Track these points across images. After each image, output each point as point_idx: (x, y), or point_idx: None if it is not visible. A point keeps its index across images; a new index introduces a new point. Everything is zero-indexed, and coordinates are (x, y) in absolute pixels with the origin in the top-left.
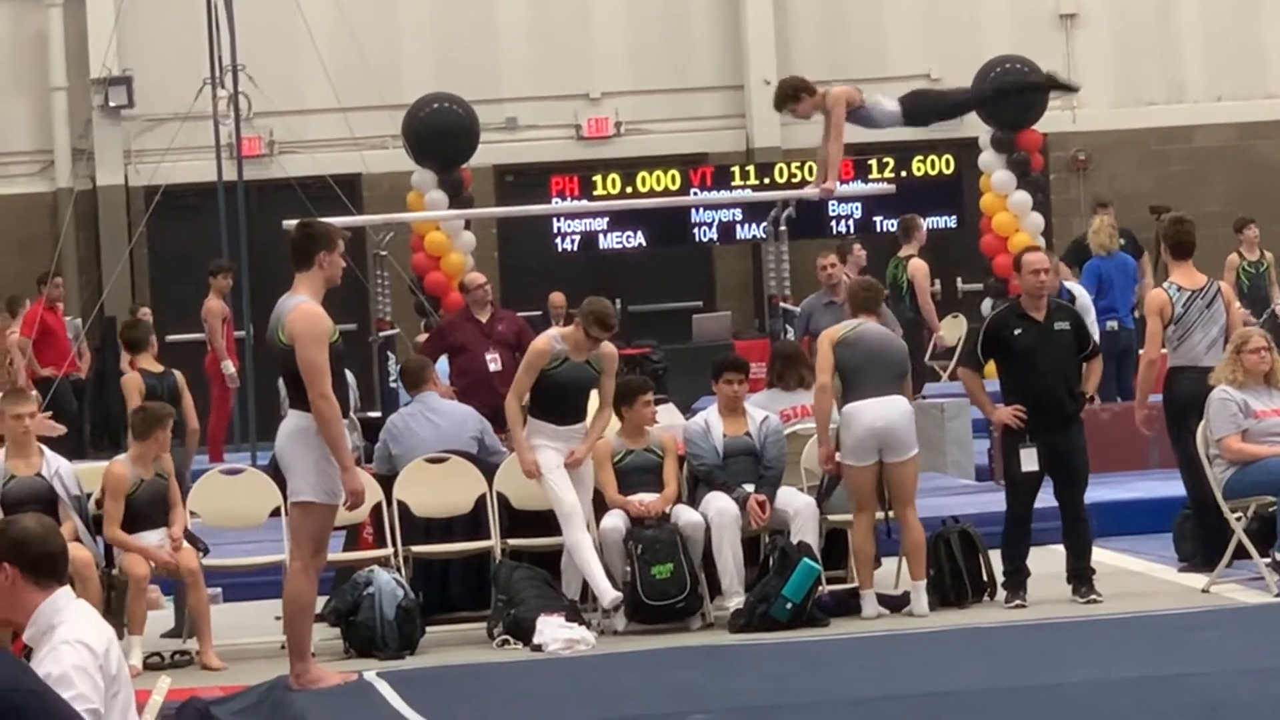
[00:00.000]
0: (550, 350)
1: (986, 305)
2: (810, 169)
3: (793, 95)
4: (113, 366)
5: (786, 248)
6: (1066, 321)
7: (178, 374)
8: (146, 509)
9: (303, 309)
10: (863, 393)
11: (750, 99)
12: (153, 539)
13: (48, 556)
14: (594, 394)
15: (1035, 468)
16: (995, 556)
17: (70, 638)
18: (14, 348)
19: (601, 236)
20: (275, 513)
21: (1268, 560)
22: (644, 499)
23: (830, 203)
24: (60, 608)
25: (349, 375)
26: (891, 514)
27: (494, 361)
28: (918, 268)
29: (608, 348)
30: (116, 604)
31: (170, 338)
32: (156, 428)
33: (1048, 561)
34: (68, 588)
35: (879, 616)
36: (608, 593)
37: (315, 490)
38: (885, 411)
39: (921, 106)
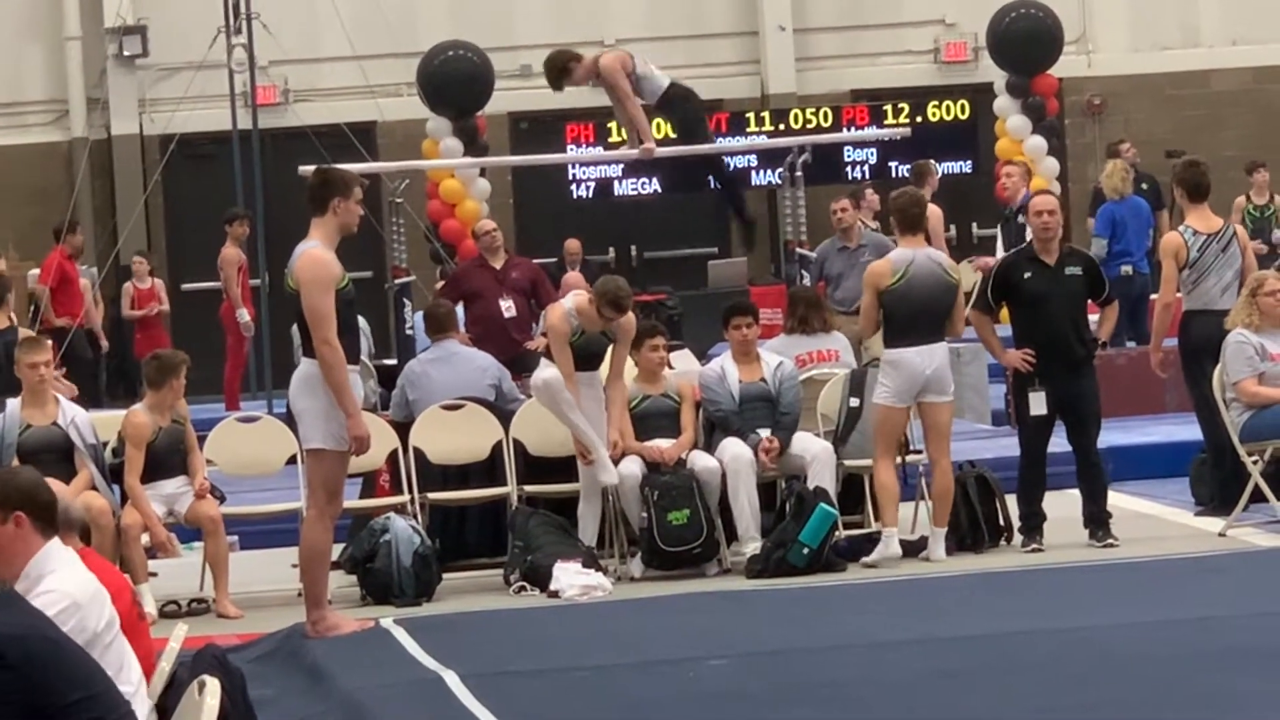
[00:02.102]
0: (569, 328)
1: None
2: (825, 114)
3: (562, 69)
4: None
5: (802, 193)
6: (1079, 266)
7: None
8: (164, 456)
9: (310, 254)
10: (908, 341)
11: (765, 45)
12: (169, 488)
13: (51, 505)
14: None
15: (1044, 411)
16: (1011, 501)
17: (54, 587)
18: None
19: (616, 183)
20: (291, 460)
21: None
22: (660, 445)
23: (845, 147)
24: (50, 557)
25: (363, 322)
26: (910, 458)
27: (509, 309)
28: (933, 213)
29: (627, 319)
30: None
31: (186, 286)
32: (170, 376)
33: (1064, 505)
34: (57, 539)
35: (898, 558)
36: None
37: (325, 437)
38: (932, 359)
39: (676, 103)
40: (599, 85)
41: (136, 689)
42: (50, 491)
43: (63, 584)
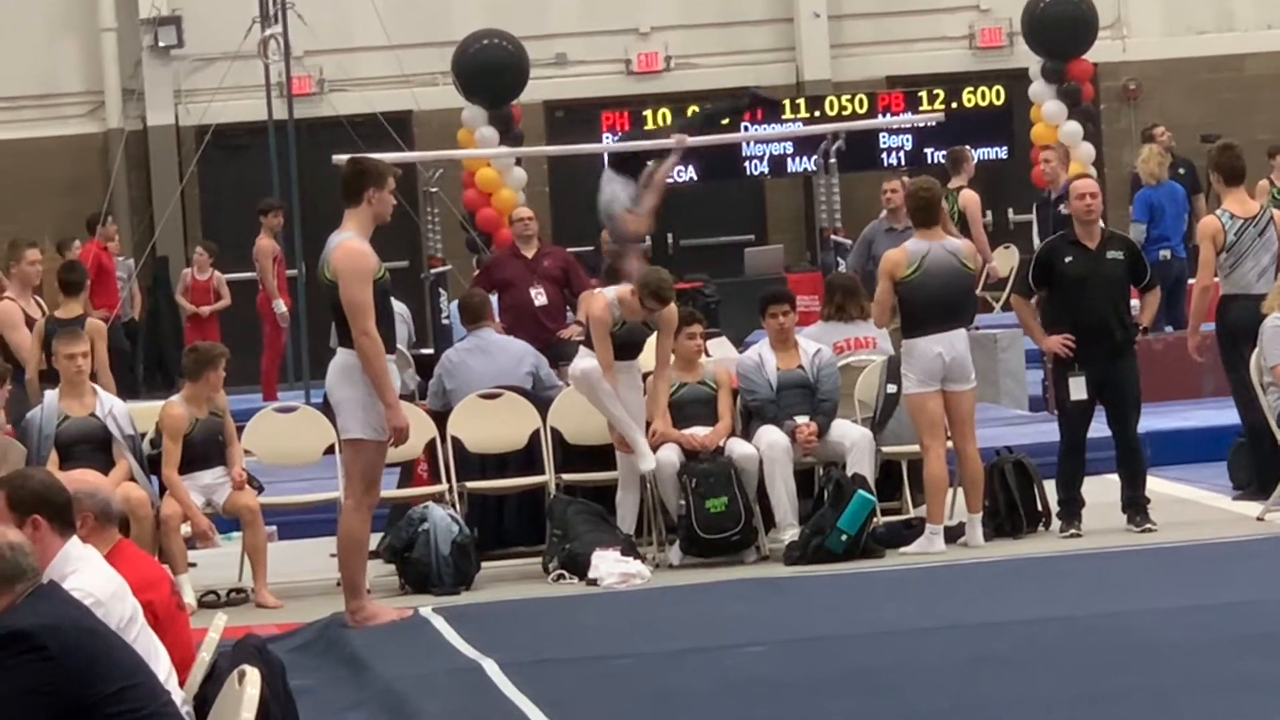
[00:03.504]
0: (610, 318)
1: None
2: (860, 101)
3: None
4: (165, 307)
5: (837, 180)
6: (1120, 251)
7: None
8: (201, 448)
9: (346, 246)
10: (925, 330)
11: (800, 32)
12: (207, 478)
13: (68, 504)
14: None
15: (1084, 396)
16: (1050, 486)
17: (77, 587)
18: None
19: None
20: (329, 450)
21: None
22: (697, 433)
23: (880, 134)
24: (70, 557)
25: (403, 308)
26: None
27: (540, 296)
28: (970, 199)
29: (668, 310)
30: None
31: (225, 276)
32: (207, 368)
33: (1102, 490)
34: (76, 538)
35: (941, 552)
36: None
37: (364, 427)
38: (949, 344)
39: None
40: None
41: (165, 682)
42: (66, 491)
43: (84, 583)
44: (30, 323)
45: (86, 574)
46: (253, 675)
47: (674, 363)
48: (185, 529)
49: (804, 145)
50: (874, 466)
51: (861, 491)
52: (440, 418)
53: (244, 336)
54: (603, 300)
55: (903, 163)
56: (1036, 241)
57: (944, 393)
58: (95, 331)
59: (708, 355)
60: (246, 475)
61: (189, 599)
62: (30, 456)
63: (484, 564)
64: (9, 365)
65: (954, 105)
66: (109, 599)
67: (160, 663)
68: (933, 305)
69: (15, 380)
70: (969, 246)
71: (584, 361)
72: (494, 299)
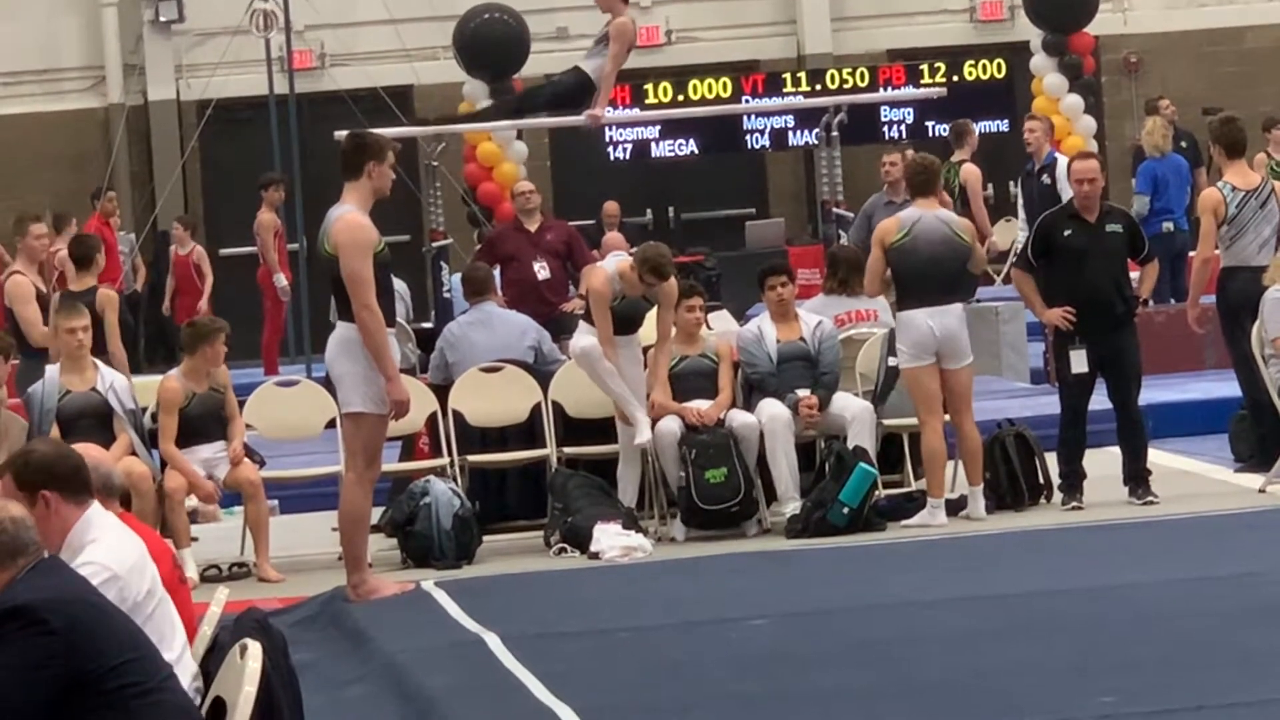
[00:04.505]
0: (610, 292)
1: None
2: (861, 74)
3: None
4: (167, 281)
5: (839, 153)
6: (1119, 224)
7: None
8: (199, 423)
9: (347, 219)
10: (918, 301)
11: (801, 5)
12: (206, 453)
13: (77, 470)
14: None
15: (1085, 369)
16: (1051, 459)
17: (93, 559)
18: (63, 263)
19: (654, 145)
20: (331, 424)
21: None
22: (699, 406)
23: (882, 107)
24: (91, 524)
25: (400, 285)
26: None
27: (542, 270)
28: (970, 172)
29: (668, 284)
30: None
31: (224, 251)
32: (203, 342)
33: (1104, 463)
34: (98, 503)
35: (942, 525)
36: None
37: (365, 400)
38: (941, 319)
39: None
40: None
41: (180, 655)
42: (75, 457)
43: (101, 555)
44: (40, 297)
45: (105, 545)
46: (254, 649)
47: (675, 336)
48: (190, 502)
49: (805, 118)
50: (875, 439)
51: (863, 464)
52: (442, 391)
53: (245, 310)
54: (602, 274)
55: (904, 136)
56: (1020, 214)
57: (940, 370)
58: (107, 302)
59: (709, 328)
60: (246, 450)
61: (191, 573)
62: (32, 431)
63: (485, 538)
64: (13, 340)
65: (955, 78)
66: (127, 572)
67: (176, 637)
68: (922, 274)
69: (26, 354)
70: (965, 220)
71: (584, 339)
72: (496, 273)
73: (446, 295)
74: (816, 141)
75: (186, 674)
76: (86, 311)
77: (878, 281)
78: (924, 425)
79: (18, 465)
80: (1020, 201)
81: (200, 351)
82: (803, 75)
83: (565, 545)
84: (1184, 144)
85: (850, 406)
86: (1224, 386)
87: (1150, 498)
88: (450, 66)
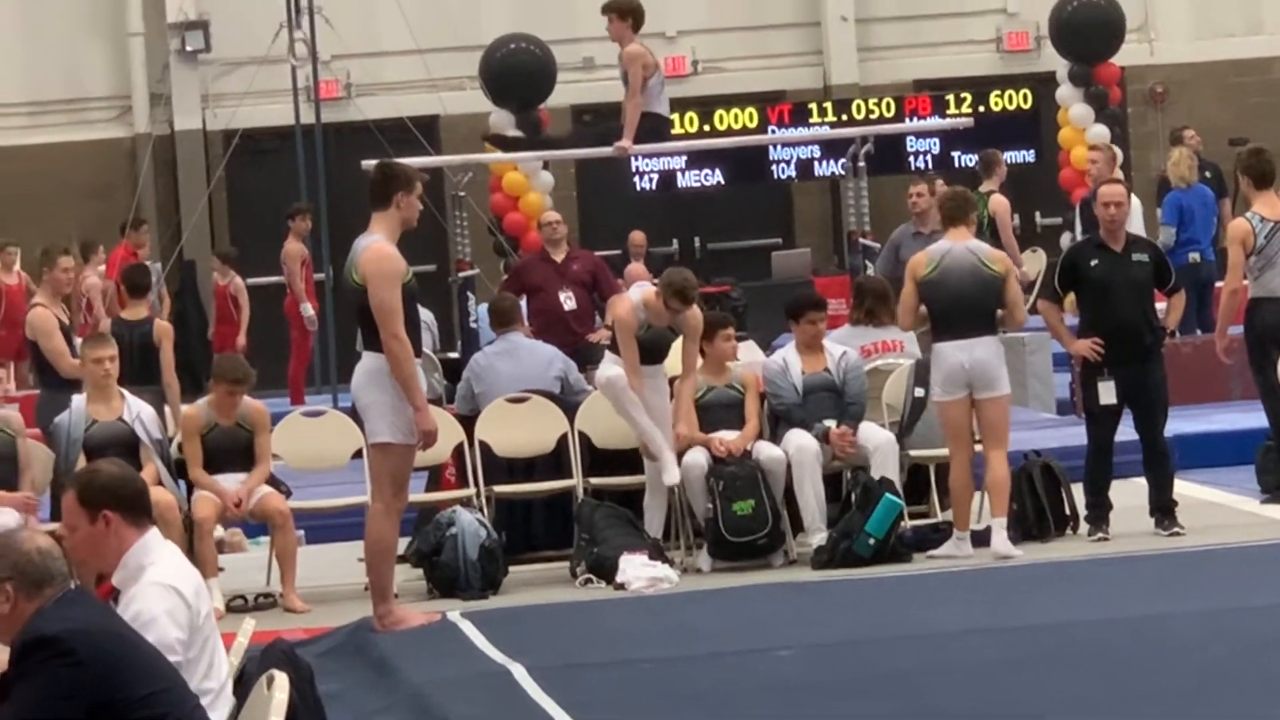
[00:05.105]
0: (636, 322)
1: (1065, 239)
2: (888, 104)
3: (625, 10)
4: (192, 311)
5: (865, 184)
6: (1145, 254)
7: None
8: (218, 454)
9: (375, 249)
10: (950, 333)
11: (827, 35)
12: (226, 483)
13: (140, 495)
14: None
15: (1113, 400)
16: (1078, 490)
17: (160, 580)
18: (91, 292)
19: (680, 175)
20: (357, 454)
21: None
22: (725, 438)
23: (908, 137)
24: (150, 548)
25: (428, 315)
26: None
27: (569, 300)
28: (999, 203)
29: (692, 314)
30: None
31: (250, 281)
32: (218, 380)
33: (1130, 494)
34: (156, 529)
35: (968, 557)
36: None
37: (392, 431)
38: (972, 351)
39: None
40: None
41: (224, 685)
42: (139, 481)
43: (167, 576)
44: (63, 328)
45: (170, 567)
46: (281, 680)
47: (705, 366)
48: (216, 532)
49: (831, 149)
50: (901, 470)
51: (889, 495)
52: (468, 422)
53: (272, 340)
54: (628, 304)
55: (930, 166)
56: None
57: (973, 400)
58: (164, 333)
59: (736, 357)
60: (272, 480)
61: (217, 603)
62: (59, 461)
63: (511, 568)
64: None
65: (981, 109)
66: (191, 594)
67: (222, 666)
68: (953, 306)
69: (49, 385)
70: (997, 252)
71: (609, 369)
72: (523, 303)
73: (473, 325)
74: (843, 172)
75: (226, 705)
76: (114, 342)
77: (911, 315)
78: (953, 458)
79: (82, 483)
80: (1079, 230)
81: (217, 389)
82: (829, 105)
83: (591, 576)
84: (1209, 174)
85: (873, 437)
86: (1251, 417)
87: (1176, 529)
88: (476, 96)
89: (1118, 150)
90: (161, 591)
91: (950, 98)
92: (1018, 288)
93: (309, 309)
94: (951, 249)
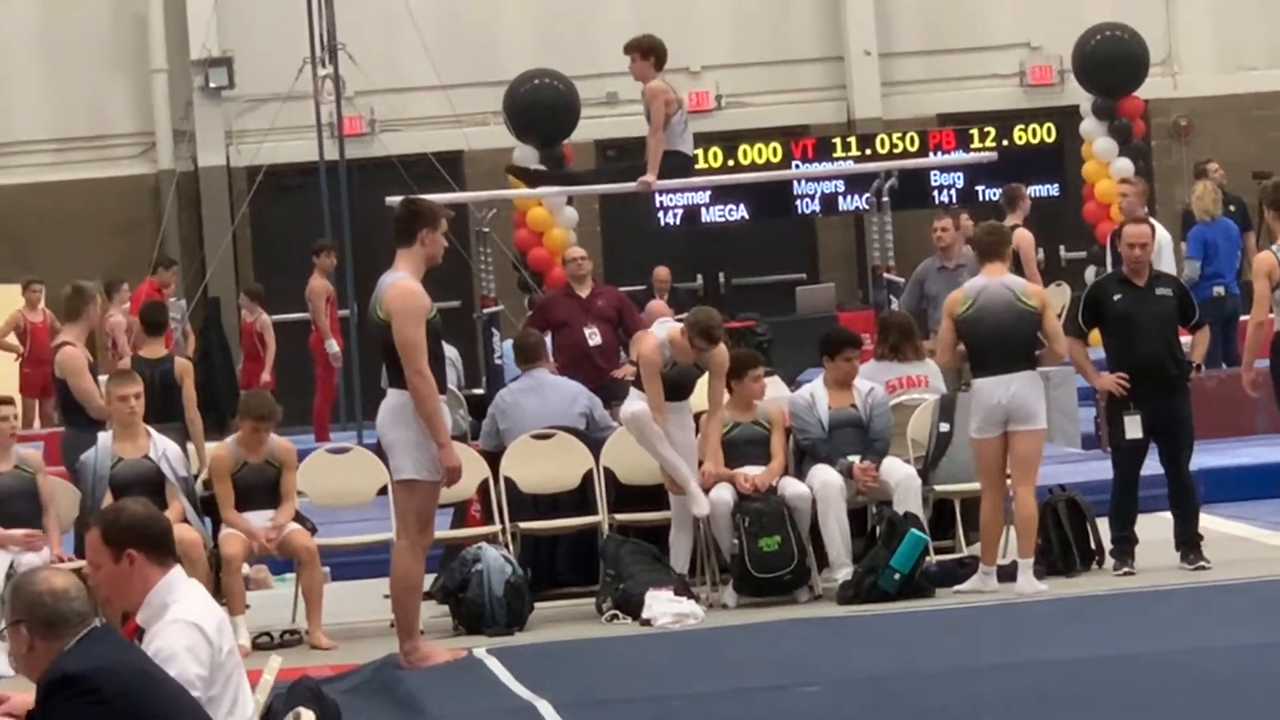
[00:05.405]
0: (660, 359)
1: (1090, 273)
2: (912, 139)
3: (649, 49)
4: (217, 348)
5: (889, 218)
6: (1169, 288)
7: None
8: (248, 491)
9: (400, 286)
10: (988, 369)
11: (851, 70)
12: (254, 521)
13: (164, 534)
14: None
15: (1139, 435)
16: (1103, 524)
17: (181, 617)
18: (116, 330)
19: (704, 210)
20: (383, 491)
21: None
22: (750, 474)
23: (932, 172)
24: (174, 586)
25: (452, 351)
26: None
27: (594, 336)
28: (1023, 237)
29: (718, 352)
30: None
31: (275, 317)
32: (243, 417)
33: (1155, 528)
34: (180, 567)
35: (993, 591)
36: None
37: (417, 467)
38: (1009, 387)
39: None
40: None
41: None
42: (164, 520)
43: (190, 614)
44: (92, 368)
45: (193, 604)
46: (308, 717)
47: (733, 403)
48: (245, 569)
49: (855, 183)
50: (926, 505)
51: (914, 530)
52: (493, 458)
53: (296, 376)
54: (653, 341)
55: (954, 200)
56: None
57: (1007, 433)
58: (185, 371)
59: (763, 396)
60: (298, 517)
61: (243, 640)
62: (85, 499)
63: (537, 604)
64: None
65: (1005, 143)
66: (214, 630)
67: (247, 705)
68: (990, 342)
69: (76, 424)
70: (1033, 286)
71: (634, 405)
72: (547, 339)
73: (498, 361)
74: (867, 206)
75: None
76: (139, 379)
77: (949, 352)
78: (984, 495)
79: (107, 521)
80: (1109, 263)
81: (243, 426)
82: (853, 140)
83: (617, 612)
84: (1232, 208)
85: (894, 472)
86: (1276, 451)
87: (1202, 563)
88: (500, 132)
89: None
90: (183, 628)
91: (974, 132)
92: (1056, 321)
93: (334, 345)
94: (987, 285)
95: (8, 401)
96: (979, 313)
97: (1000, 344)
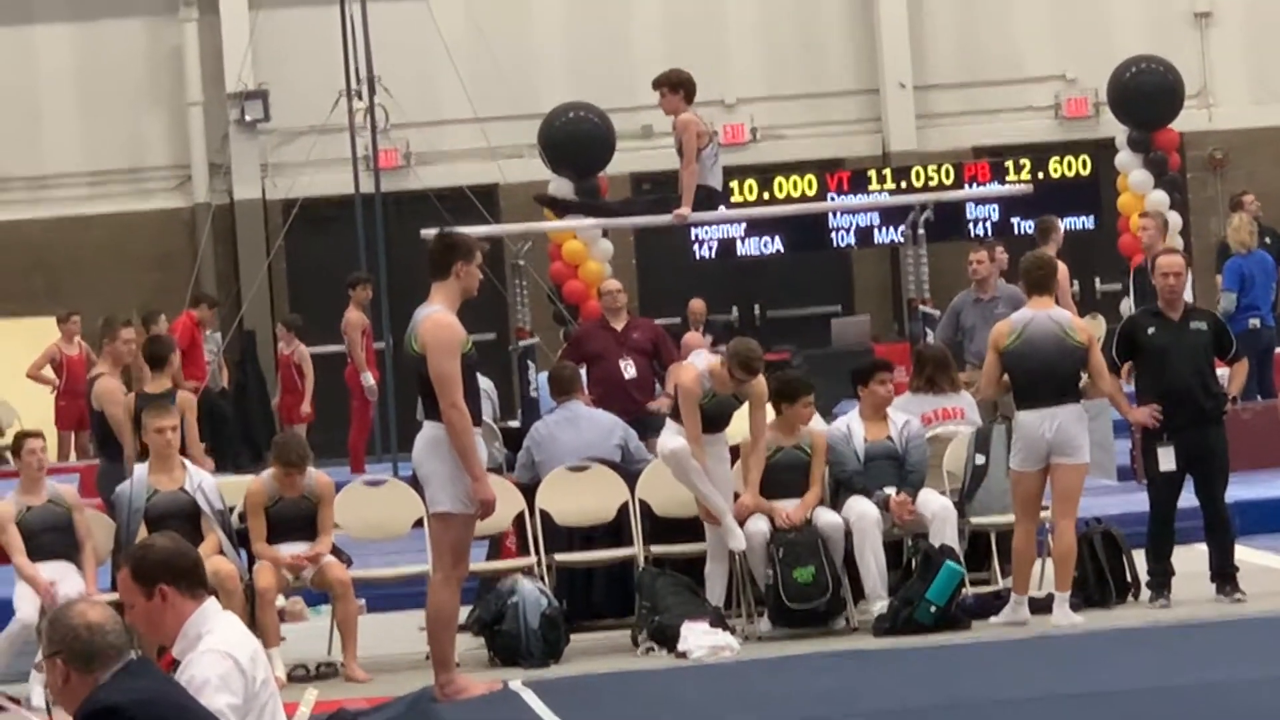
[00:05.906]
0: (700, 390)
1: (1125, 305)
2: (947, 171)
3: (677, 84)
4: (253, 381)
5: (925, 251)
6: (1203, 321)
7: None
8: (282, 523)
9: (435, 319)
10: (1032, 402)
11: (886, 103)
12: (287, 552)
13: (194, 566)
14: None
15: (1173, 467)
16: (1139, 557)
17: (215, 647)
18: None
19: (739, 243)
20: (418, 523)
21: None
22: (786, 508)
23: (968, 204)
24: (208, 617)
25: (487, 384)
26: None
27: (629, 368)
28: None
29: (758, 383)
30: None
31: (311, 349)
32: (276, 456)
33: (1191, 560)
34: (214, 599)
35: (1025, 621)
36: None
37: (453, 500)
38: (1053, 420)
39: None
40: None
41: None
42: (193, 553)
43: (223, 643)
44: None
45: (227, 634)
46: None
47: (778, 424)
48: (278, 601)
49: (890, 215)
50: (962, 537)
51: (950, 562)
52: (529, 490)
53: (332, 409)
54: (693, 372)
55: (990, 233)
56: (1130, 309)
57: (1049, 466)
58: (185, 404)
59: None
60: (334, 550)
61: (279, 673)
62: (120, 531)
63: (573, 636)
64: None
65: (1040, 175)
66: (248, 661)
67: None
68: (1035, 375)
69: (111, 456)
70: (1080, 320)
71: (672, 440)
72: (583, 371)
73: (533, 394)
74: (902, 239)
75: None
76: (176, 411)
77: (994, 385)
78: (1018, 525)
79: (136, 558)
80: (1131, 298)
81: (275, 470)
82: (888, 172)
83: (653, 644)
84: (1269, 240)
85: (930, 504)
86: None
87: (1238, 595)
88: (536, 165)
89: (1170, 217)
90: (216, 658)
91: (1009, 164)
92: (1101, 357)
93: (369, 378)
94: (1034, 318)
95: (36, 435)
96: (1025, 345)
97: (1045, 377)
